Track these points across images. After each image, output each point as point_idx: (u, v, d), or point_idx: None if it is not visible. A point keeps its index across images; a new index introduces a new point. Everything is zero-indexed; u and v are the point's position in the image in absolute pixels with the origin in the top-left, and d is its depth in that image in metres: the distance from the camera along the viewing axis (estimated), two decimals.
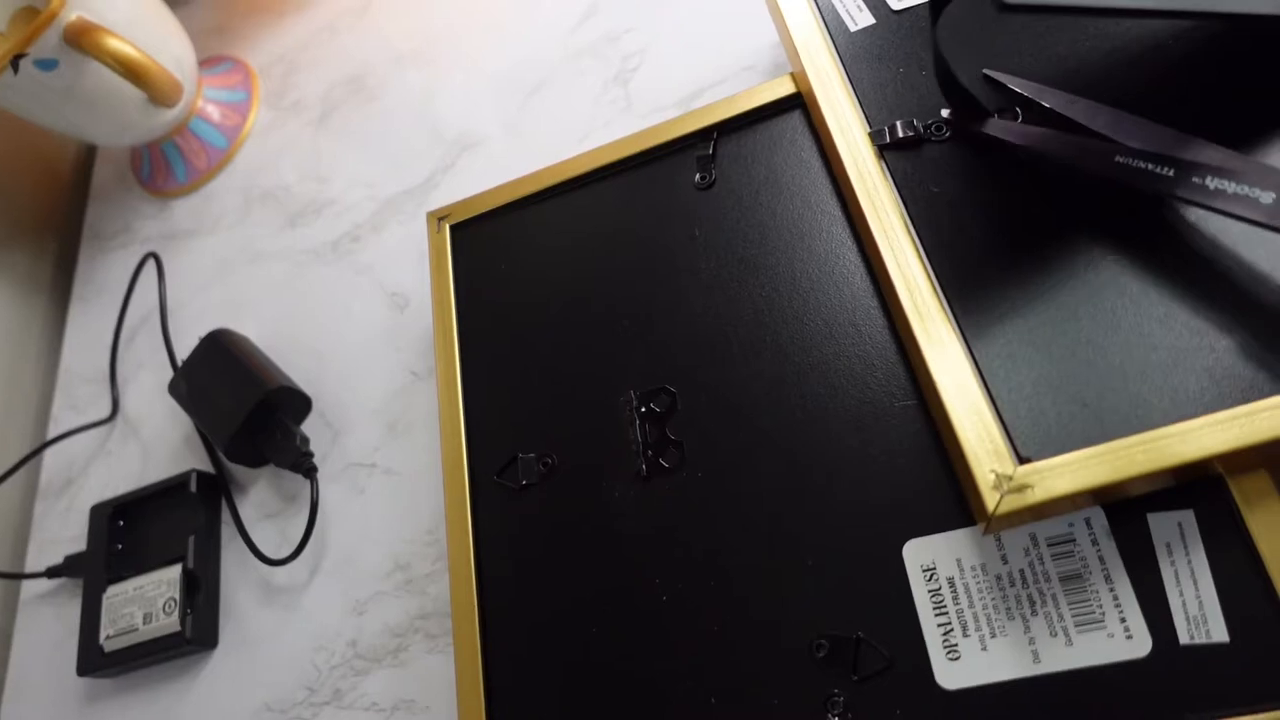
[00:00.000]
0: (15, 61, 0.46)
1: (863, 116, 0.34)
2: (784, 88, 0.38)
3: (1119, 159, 0.29)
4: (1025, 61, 0.33)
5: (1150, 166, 0.28)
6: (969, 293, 0.30)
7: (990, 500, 0.26)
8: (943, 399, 0.28)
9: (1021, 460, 0.27)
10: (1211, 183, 0.27)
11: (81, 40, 0.46)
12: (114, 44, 0.46)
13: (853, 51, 0.36)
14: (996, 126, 0.32)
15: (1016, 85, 0.32)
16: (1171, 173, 0.28)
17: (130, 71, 0.47)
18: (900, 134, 0.33)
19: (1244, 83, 0.30)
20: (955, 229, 0.31)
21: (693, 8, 0.48)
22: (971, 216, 0.31)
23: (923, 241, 0.31)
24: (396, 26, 0.58)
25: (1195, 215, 0.29)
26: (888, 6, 0.37)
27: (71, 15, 0.46)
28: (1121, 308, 0.28)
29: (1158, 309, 0.28)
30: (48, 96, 0.49)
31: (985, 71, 0.33)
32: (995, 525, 0.27)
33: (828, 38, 0.36)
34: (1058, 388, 0.28)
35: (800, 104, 0.38)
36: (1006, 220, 0.31)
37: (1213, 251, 0.28)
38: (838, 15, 0.37)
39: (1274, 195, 0.26)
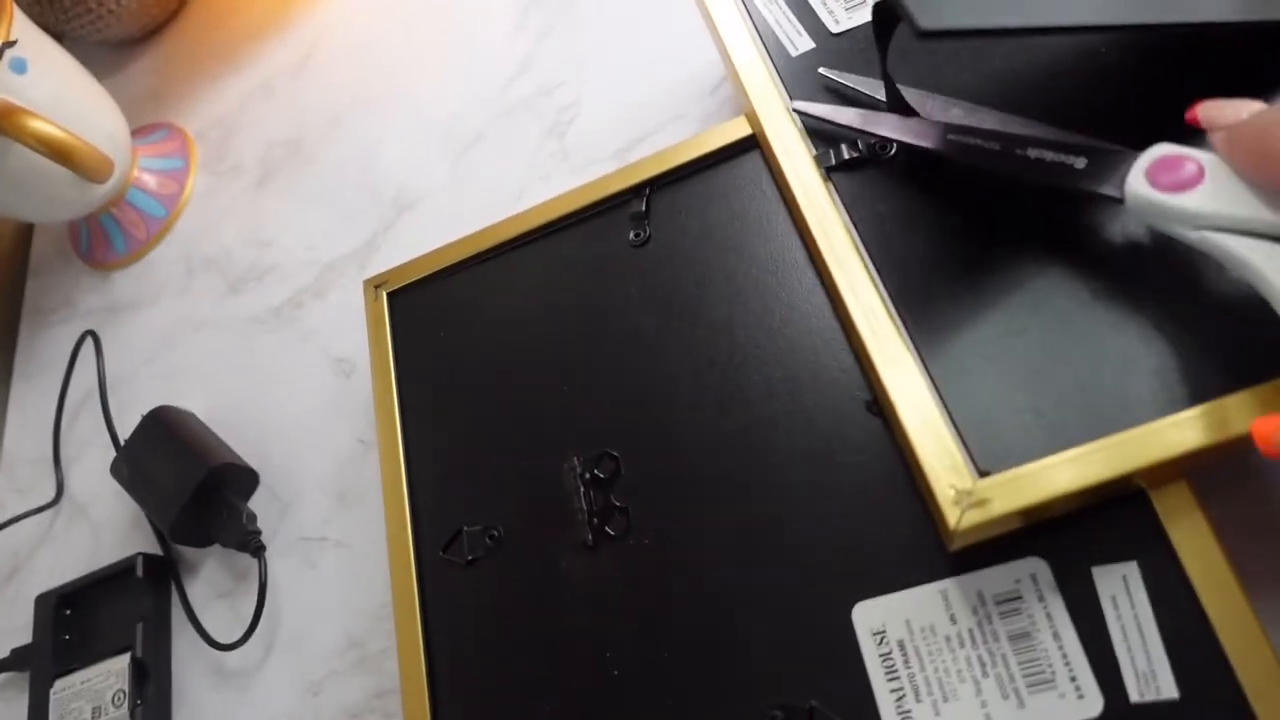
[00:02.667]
0: None
1: (807, 140, 0.34)
2: (711, 142, 0.37)
3: (950, 136, 0.31)
4: (963, 78, 0.33)
5: (981, 143, 0.30)
6: (921, 308, 0.30)
7: (952, 516, 0.26)
8: (900, 416, 0.28)
9: (981, 474, 0.27)
10: (1032, 154, 0.28)
11: (3, 124, 0.45)
12: (37, 125, 0.45)
13: (795, 76, 0.36)
14: (890, 125, 0.33)
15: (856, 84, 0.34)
16: (997, 146, 0.29)
17: (55, 152, 0.46)
18: (845, 155, 0.33)
19: (1174, 85, 0.30)
20: (905, 246, 0.31)
21: (623, 60, 0.48)
22: (920, 233, 0.31)
23: (874, 260, 0.31)
24: (332, 85, 0.57)
25: (1141, 222, 0.29)
26: (827, 30, 0.37)
27: None
28: (1072, 314, 0.28)
29: (1108, 314, 0.28)
30: None
31: (822, 72, 0.35)
32: (959, 540, 0.27)
33: (769, 64, 0.36)
34: (1012, 398, 0.28)
35: (729, 156, 0.38)
36: (955, 234, 0.31)
37: (1160, 257, 0.28)
38: (778, 41, 0.37)
39: (1085, 160, 0.27)
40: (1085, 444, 0.26)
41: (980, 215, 0.31)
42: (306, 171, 0.55)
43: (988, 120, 0.31)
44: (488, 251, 0.41)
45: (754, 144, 0.37)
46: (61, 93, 0.49)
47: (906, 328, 0.30)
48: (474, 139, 0.50)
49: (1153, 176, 0.26)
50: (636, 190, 0.39)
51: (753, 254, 0.36)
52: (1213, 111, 0.25)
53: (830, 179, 0.33)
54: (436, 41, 0.55)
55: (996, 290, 0.29)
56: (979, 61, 0.33)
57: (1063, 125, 0.30)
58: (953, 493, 0.27)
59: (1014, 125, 0.31)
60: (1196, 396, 0.26)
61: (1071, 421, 0.27)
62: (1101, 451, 0.26)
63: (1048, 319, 0.28)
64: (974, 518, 0.26)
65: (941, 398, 0.28)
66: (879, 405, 0.31)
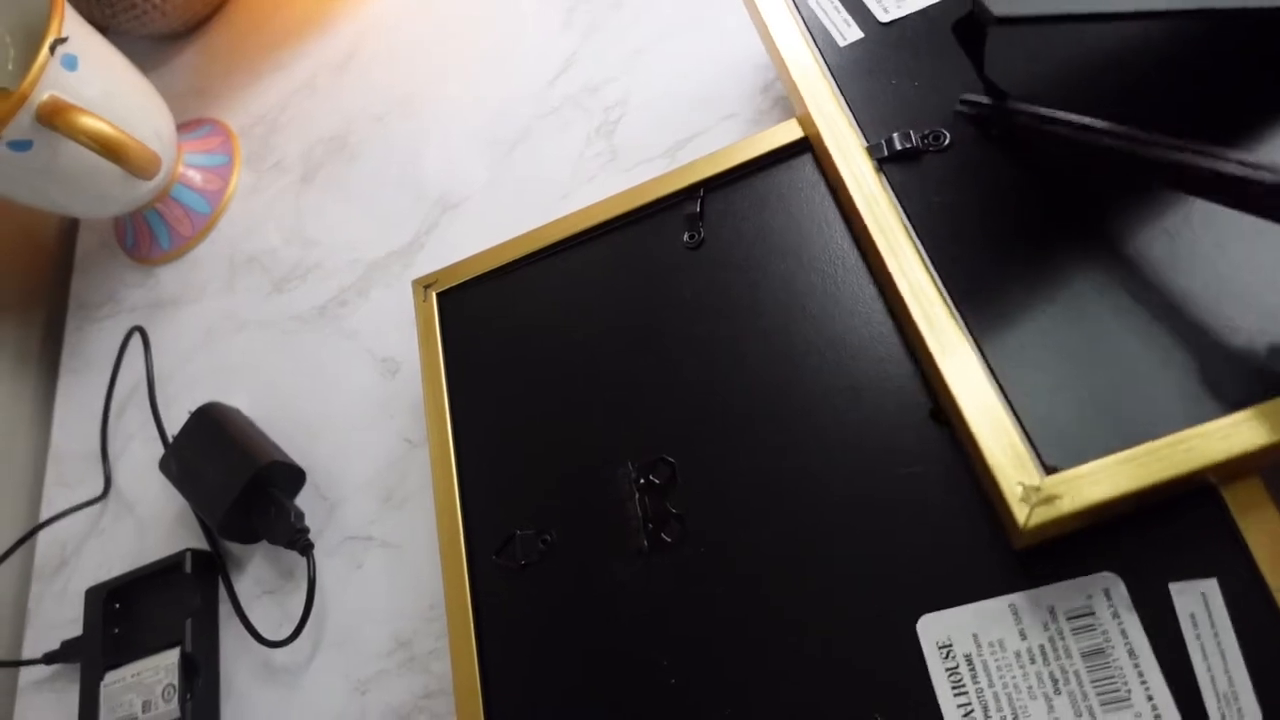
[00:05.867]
0: None
1: (858, 131, 0.34)
2: (767, 142, 0.37)
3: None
4: (1024, 67, 0.33)
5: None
6: (980, 302, 0.30)
7: (1020, 513, 0.26)
8: (963, 413, 0.28)
9: (1048, 470, 0.26)
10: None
11: (55, 120, 0.45)
12: (88, 122, 0.46)
13: (844, 67, 0.36)
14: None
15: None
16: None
17: (106, 149, 0.47)
18: (898, 146, 0.33)
19: (1238, 77, 0.30)
20: (960, 238, 0.31)
21: (670, 57, 0.48)
22: (975, 224, 0.31)
23: (929, 253, 0.31)
24: (376, 82, 0.57)
25: (1205, 209, 0.28)
26: (875, 20, 0.36)
27: (44, 95, 0.45)
28: (1136, 307, 0.28)
29: (1173, 306, 0.27)
30: (24, 176, 0.48)
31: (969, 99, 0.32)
32: (1027, 539, 0.27)
33: (818, 54, 0.36)
34: (1078, 393, 0.27)
35: (785, 157, 0.37)
36: (1011, 225, 0.30)
37: (1226, 246, 0.27)
38: (826, 32, 0.37)
39: None
40: (1154, 440, 0.26)
41: (1038, 207, 0.30)
42: (350, 170, 0.55)
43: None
44: (539, 252, 0.40)
45: (811, 145, 0.37)
46: (111, 89, 0.49)
47: (965, 321, 0.29)
48: (519, 138, 0.50)
49: None
50: (690, 191, 0.38)
51: (811, 258, 0.35)
52: None
53: (882, 170, 0.33)
54: (481, 39, 0.55)
55: (1058, 283, 0.29)
56: (1043, 63, 0.33)
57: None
58: (1020, 490, 0.26)
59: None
60: (1267, 392, 0.25)
61: (1140, 417, 0.26)
62: (1170, 448, 0.25)
63: (1111, 312, 0.28)
64: (1042, 515, 0.26)
65: (1004, 393, 0.28)
66: (938, 404, 0.30)
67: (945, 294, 0.30)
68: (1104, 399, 0.27)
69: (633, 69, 0.48)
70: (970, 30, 0.31)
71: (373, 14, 0.60)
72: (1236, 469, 0.25)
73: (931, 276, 0.30)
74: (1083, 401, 0.27)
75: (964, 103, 0.33)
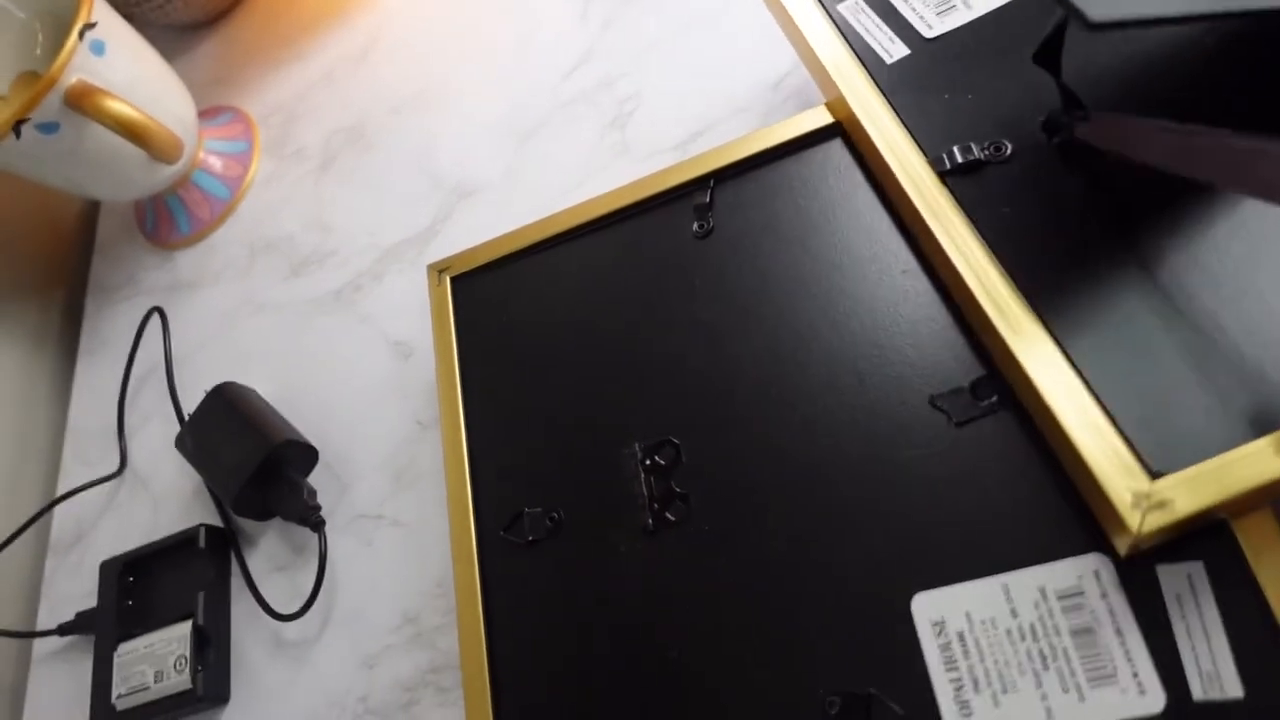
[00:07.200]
0: (18, 126, 0.46)
1: (916, 146, 0.34)
2: (778, 135, 0.38)
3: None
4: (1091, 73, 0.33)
5: None
6: (1065, 309, 0.29)
7: (1132, 520, 0.25)
8: (1060, 421, 0.27)
9: (1153, 475, 0.26)
10: None
11: (82, 104, 0.46)
12: (114, 106, 0.47)
13: (893, 84, 0.36)
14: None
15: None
16: None
17: (131, 132, 0.48)
18: (959, 159, 0.33)
19: None
20: (1035, 247, 0.31)
21: (685, 52, 0.49)
22: (1049, 233, 0.31)
23: (1007, 265, 0.31)
24: (393, 74, 0.58)
25: None
26: (921, 36, 0.37)
27: (72, 79, 0.46)
28: (1223, 306, 0.28)
29: (1262, 307, 0.27)
30: (50, 158, 0.50)
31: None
32: (1139, 545, 0.27)
33: (866, 73, 0.36)
34: (1176, 395, 0.27)
35: (794, 150, 0.38)
36: (1086, 232, 0.30)
37: None
38: (871, 50, 0.37)
39: None
40: (1263, 438, 0.25)
41: (1112, 214, 0.30)
42: (367, 159, 0.56)
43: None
44: (551, 239, 0.42)
45: (821, 138, 0.38)
46: (137, 75, 0.51)
47: (1052, 330, 0.29)
48: (534, 129, 0.51)
49: None
50: (701, 182, 0.39)
51: (818, 247, 0.36)
52: None
53: (946, 184, 0.33)
54: (498, 32, 0.56)
55: (1142, 287, 0.29)
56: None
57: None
58: (1130, 496, 0.26)
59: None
60: None
61: (1245, 415, 0.26)
62: (1271, 448, 0.25)
63: (1199, 313, 0.28)
64: (1155, 521, 0.25)
65: (1099, 400, 0.28)
66: (1018, 403, 0.30)
67: (1029, 305, 0.30)
68: (1205, 401, 0.27)
69: (646, 63, 0.49)
70: (1049, 48, 0.31)
71: (390, 7, 0.61)
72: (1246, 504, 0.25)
73: (1014, 289, 0.30)
74: (1184, 404, 0.27)
75: (1047, 122, 0.32)
